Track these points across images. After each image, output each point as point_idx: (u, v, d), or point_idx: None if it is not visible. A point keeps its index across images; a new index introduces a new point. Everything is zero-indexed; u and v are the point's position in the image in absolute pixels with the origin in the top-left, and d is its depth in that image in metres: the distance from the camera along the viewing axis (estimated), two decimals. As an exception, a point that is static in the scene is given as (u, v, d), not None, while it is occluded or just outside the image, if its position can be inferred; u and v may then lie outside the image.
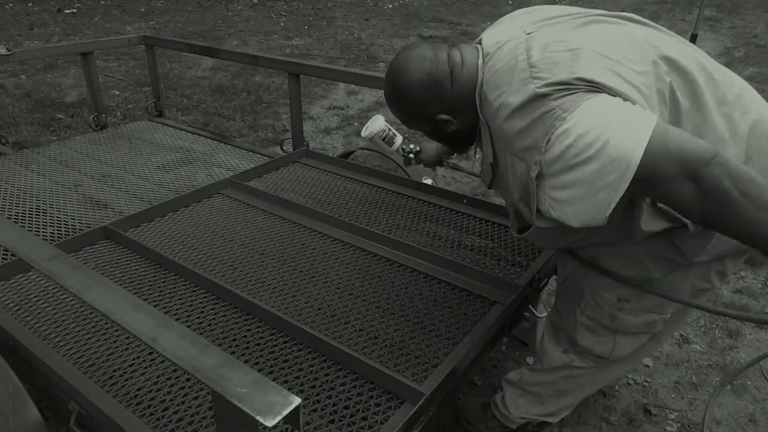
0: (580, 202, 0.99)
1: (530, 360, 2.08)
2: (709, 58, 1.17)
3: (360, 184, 2.29)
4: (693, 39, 4.06)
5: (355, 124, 4.56)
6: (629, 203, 1.10)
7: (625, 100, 1.00)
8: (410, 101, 1.24)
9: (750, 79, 5.40)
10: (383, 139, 1.89)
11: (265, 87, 5.33)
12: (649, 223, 1.11)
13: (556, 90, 1.00)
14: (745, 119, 1.11)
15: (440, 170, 3.76)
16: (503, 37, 1.16)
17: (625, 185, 0.94)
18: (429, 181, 2.36)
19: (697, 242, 1.16)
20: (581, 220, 1.02)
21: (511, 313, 1.56)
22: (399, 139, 1.90)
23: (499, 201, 3.31)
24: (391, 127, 1.91)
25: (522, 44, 1.10)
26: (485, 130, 1.20)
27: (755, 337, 2.27)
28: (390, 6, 10.08)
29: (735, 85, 1.14)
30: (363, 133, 1.90)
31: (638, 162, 0.92)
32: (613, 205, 0.97)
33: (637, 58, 1.06)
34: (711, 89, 1.10)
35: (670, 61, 1.08)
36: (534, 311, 1.92)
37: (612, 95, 1.00)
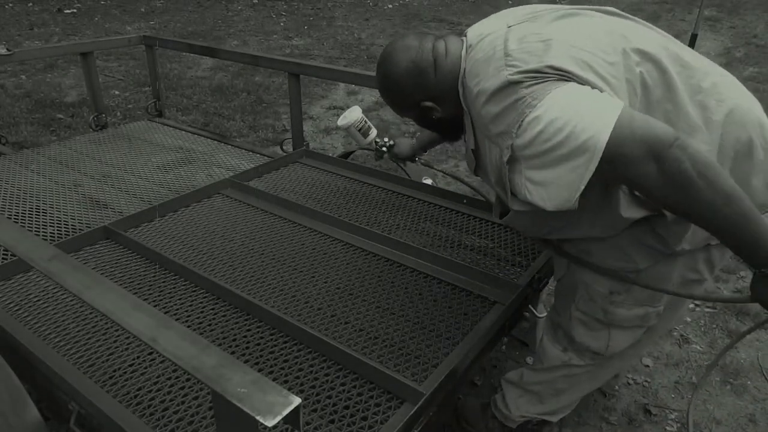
0: (552, 184, 1.05)
1: (530, 360, 2.08)
2: (685, 48, 1.20)
3: (360, 184, 2.29)
4: (693, 39, 4.05)
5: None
6: (607, 193, 1.14)
7: (593, 88, 1.05)
8: (397, 89, 1.30)
9: (750, 79, 5.41)
10: (359, 130, 1.93)
11: (265, 87, 5.33)
12: (630, 209, 1.14)
13: (527, 78, 1.06)
14: (720, 107, 1.14)
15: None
16: (486, 30, 1.23)
17: (593, 167, 0.99)
18: (429, 181, 2.36)
19: (677, 229, 1.19)
20: (554, 203, 1.07)
21: (511, 313, 1.56)
22: (374, 132, 1.95)
23: (499, 201, 3.31)
24: (367, 120, 1.95)
25: (501, 36, 1.16)
26: (467, 119, 1.26)
27: (755, 336, 2.27)
28: (390, 6, 10.08)
29: (711, 74, 1.18)
30: (339, 122, 1.94)
31: (605, 145, 0.97)
32: (582, 187, 1.02)
33: (609, 49, 1.11)
34: (684, 78, 1.14)
35: (642, 53, 1.13)
36: (534, 311, 1.92)
37: (581, 84, 1.05)
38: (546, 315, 1.93)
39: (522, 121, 1.04)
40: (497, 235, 1.93)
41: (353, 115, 1.92)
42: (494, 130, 1.13)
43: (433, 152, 4.02)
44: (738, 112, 1.15)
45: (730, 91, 1.17)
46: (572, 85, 1.04)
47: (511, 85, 1.07)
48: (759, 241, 0.99)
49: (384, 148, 1.94)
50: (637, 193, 1.13)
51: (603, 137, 0.97)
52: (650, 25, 1.25)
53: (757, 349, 2.21)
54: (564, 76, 1.05)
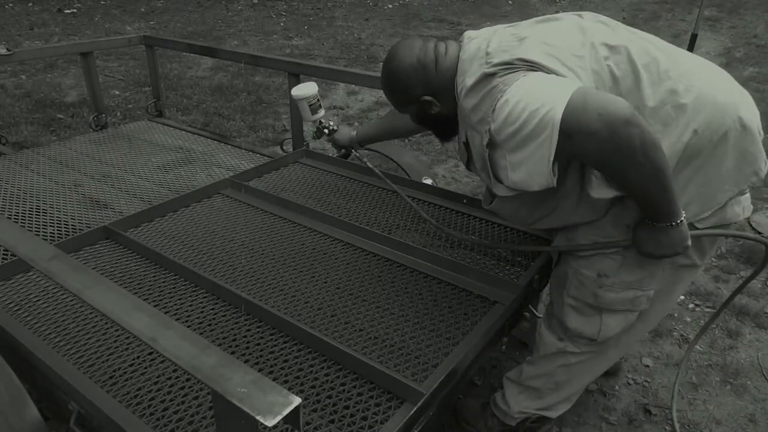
0: (528, 162, 1.14)
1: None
2: (659, 44, 1.30)
3: (360, 184, 2.28)
4: (693, 39, 4.05)
5: (355, 123, 4.56)
6: (583, 176, 1.25)
7: (558, 76, 1.16)
8: (401, 84, 1.42)
9: (750, 79, 5.40)
10: (310, 105, 2.00)
11: (265, 87, 5.33)
12: (599, 189, 1.22)
13: (500, 69, 1.20)
14: (690, 91, 1.22)
15: (440, 170, 3.77)
16: (476, 35, 1.38)
17: (555, 139, 1.07)
18: (429, 181, 2.37)
19: None
20: (535, 181, 1.16)
21: (511, 313, 1.56)
22: (322, 112, 2.03)
23: (499, 201, 3.30)
24: (320, 98, 2.02)
25: (486, 39, 1.31)
26: (460, 113, 1.37)
27: (755, 336, 2.27)
28: (390, 6, 10.08)
29: (683, 63, 1.26)
30: (294, 92, 2.01)
31: (560, 118, 1.05)
32: (551, 159, 1.09)
33: (577, 44, 1.24)
34: (653, 68, 1.23)
35: (610, 47, 1.24)
36: (534, 311, 1.92)
37: (547, 73, 1.17)
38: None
39: (495, 106, 1.16)
40: (497, 235, 1.93)
41: (310, 90, 1.98)
42: (474, 118, 1.26)
43: (433, 152, 4.02)
44: (708, 96, 1.22)
45: (701, 80, 1.24)
46: (539, 73, 1.16)
47: (486, 77, 1.22)
48: (663, 209, 1.18)
49: (326, 130, 2.04)
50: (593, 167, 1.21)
51: (558, 112, 1.06)
52: (629, 27, 1.34)
53: (757, 349, 2.21)
54: (532, 66, 1.18)
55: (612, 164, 1.11)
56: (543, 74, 1.16)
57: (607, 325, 1.44)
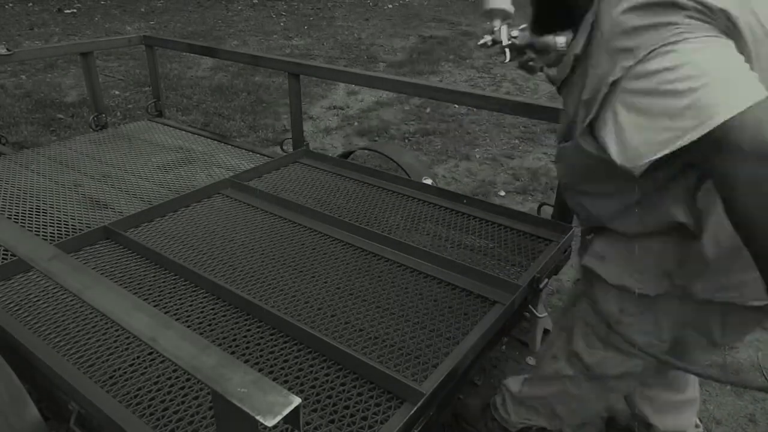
0: (636, 130, 0.91)
1: (531, 360, 2.08)
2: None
3: (360, 184, 2.28)
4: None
5: (355, 123, 4.56)
6: (671, 179, 1.05)
7: (745, 60, 0.89)
8: None
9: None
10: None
11: (265, 87, 5.33)
12: (674, 207, 1.05)
13: (695, 8, 0.89)
14: None
15: (440, 170, 3.76)
16: None
17: (691, 137, 0.85)
18: (429, 181, 2.37)
19: (694, 267, 1.10)
20: (625, 154, 0.94)
21: (511, 313, 1.56)
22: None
23: (498, 201, 3.31)
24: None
25: None
26: (592, 16, 1.05)
27: (755, 336, 2.27)
28: (390, 6, 10.09)
29: None
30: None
31: (720, 121, 0.82)
32: (666, 151, 0.88)
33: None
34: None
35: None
36: (534, 311, 1.92)
37: (739, 50, 0.90)
38: (546, 316, 1.93)
39: (659, 46, 0.88)
40: (497, 235, 1.93)
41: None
42: (619, 43, 0.95)
43: (433, 152, 4.02)
44: None
45: None
46: (730, 46, 0.90)
47: (672, 5, 0.90)
48: None
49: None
50: (713, 187, 0.93)
51: (724, 112, 0.82)
52: None
53: (757, 349, 2.21)
54: (729, 30, 0.90)
55: (751, 203, 0.84)
56: (732, 50, 0.89)
57: (608, 361, 1.35)
